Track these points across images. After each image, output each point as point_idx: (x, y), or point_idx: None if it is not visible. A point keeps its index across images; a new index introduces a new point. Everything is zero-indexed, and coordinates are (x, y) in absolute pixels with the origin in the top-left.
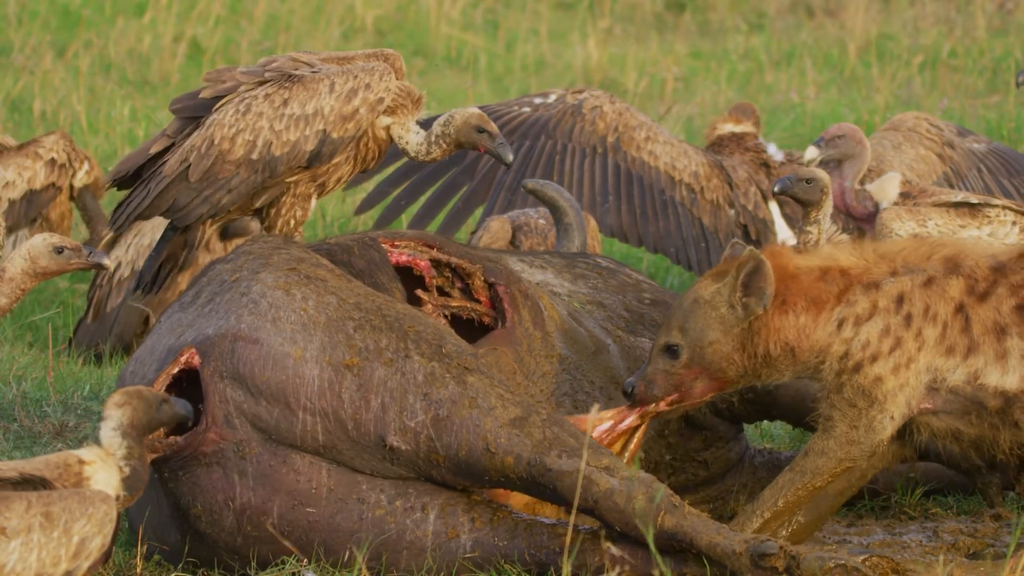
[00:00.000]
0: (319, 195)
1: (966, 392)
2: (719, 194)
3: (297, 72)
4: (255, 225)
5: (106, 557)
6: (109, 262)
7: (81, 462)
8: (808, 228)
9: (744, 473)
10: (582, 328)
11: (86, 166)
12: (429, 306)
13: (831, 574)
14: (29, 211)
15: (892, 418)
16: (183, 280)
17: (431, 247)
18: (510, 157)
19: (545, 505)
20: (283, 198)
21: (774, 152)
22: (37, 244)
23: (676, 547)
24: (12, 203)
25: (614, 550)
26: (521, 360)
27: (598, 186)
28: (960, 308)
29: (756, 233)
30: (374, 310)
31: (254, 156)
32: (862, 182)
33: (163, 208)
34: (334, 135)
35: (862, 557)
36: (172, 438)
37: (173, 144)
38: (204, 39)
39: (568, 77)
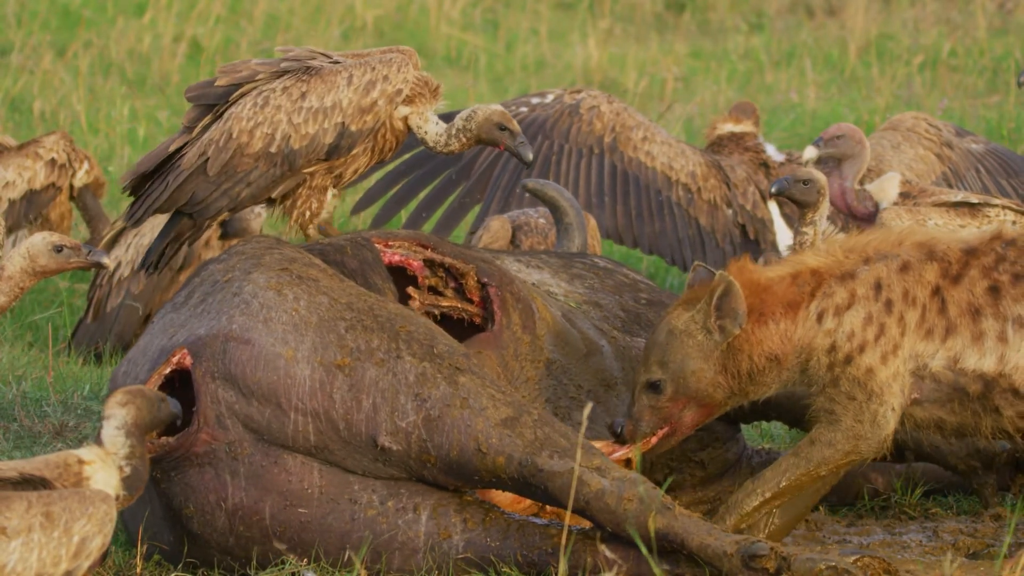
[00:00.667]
0: (335, 186)
1: (948, 379)
2: (716, 194)
3: (315, 63)
4: (255, 225)
5: (104, 557)
6: (108, 261)
7: (81, 462)
8: (804, 229)
9: (742, 474)
10: (575, 329)
11: (86, 166)
12: (417, 302)
13: (822, 575)
14: (29, 211)
15: (893, 410)
16: (183, 279)
17: (425, 247)
18: (530, 156)
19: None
20: (299, 190)
21: (773, 153)
22: (36, 243)
23: (667, 548)
24: (12, 203)
25: (607, 552)
26: (505, 364)
27: (594, 187)
28: (936, 291)
29: (755, 233)
30: (366, 310)
31: (272, 149)
32: (862, 182)
33: (182, 201)
34: (353, 127)
35: (853, 558)
36: (164, 439)
37: (190, 140)
38: (204, 39)
39: (568, 77)
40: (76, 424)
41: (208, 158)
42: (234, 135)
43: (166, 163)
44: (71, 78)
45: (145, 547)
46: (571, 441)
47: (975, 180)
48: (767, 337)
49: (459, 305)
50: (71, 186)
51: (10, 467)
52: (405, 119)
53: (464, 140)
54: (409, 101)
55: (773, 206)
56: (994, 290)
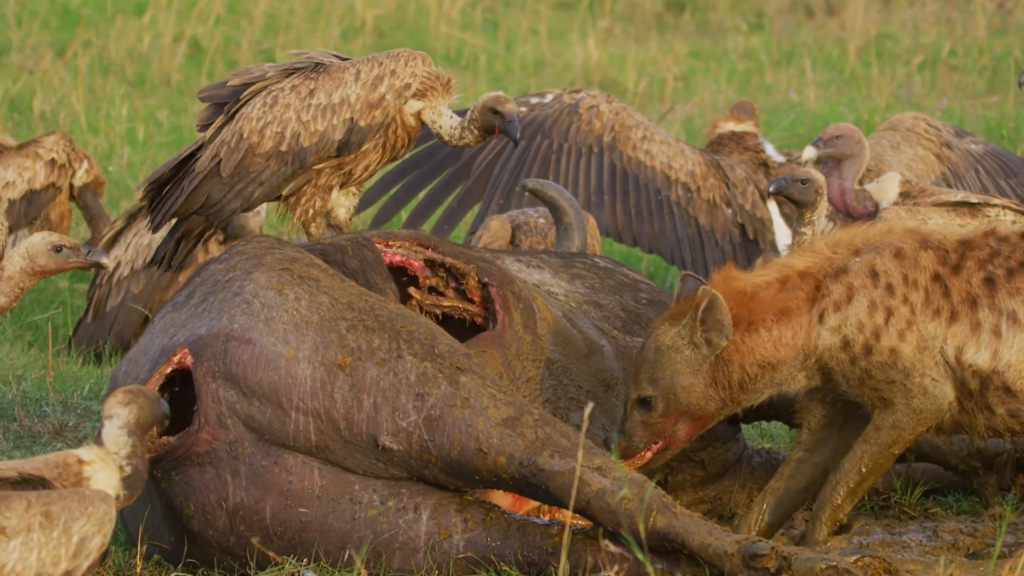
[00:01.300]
0: (346, 183)
1: (957, 374)
2: (716, 193)
3: (324, 61)
4: (253, 224)
5: (104, 557)
6: (108, 261)
7: (80, 462)
8: (802, 230)
9: (742, 473)
10: (576, 329)
11: (85, 165)
12: (415, 300)
13: (823, 575)
14: (29, 211)
15: (934, 379)
16: (183, 279)
17: (426, 247)
18: (518, 135)
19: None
20: (304, 187)
21: (773, 153)
22: (36, 243)
23: (668, 547)
24: (12, 203)
25: (612, 548)
26: (508, 363)
27: (594, 186)
28: (937, 276)
29: (754, 233)
30: (367, 310)
31: (283, 148)
32: (861, 182)
33: (197, 205)
34: (362, 123)
35: (854, 557)
36: (165, 438)
37: (203, 143)
38: (204, 39)
39: (568, 77)
40: (76, 424)
41: (221, 160)
42: (245, 135)
43: (180, 168)
44: (71, 78)
45: (145, 547)
46: (572, 441)
47: (974, 181)
48: (758, 345)
49: (460, 305)
50: (71, 186)
51: (10, 467)
52: (418, 115)
53: (475, 131)
54: (421, 95)
55: (773, 206)
56: (990, 282)
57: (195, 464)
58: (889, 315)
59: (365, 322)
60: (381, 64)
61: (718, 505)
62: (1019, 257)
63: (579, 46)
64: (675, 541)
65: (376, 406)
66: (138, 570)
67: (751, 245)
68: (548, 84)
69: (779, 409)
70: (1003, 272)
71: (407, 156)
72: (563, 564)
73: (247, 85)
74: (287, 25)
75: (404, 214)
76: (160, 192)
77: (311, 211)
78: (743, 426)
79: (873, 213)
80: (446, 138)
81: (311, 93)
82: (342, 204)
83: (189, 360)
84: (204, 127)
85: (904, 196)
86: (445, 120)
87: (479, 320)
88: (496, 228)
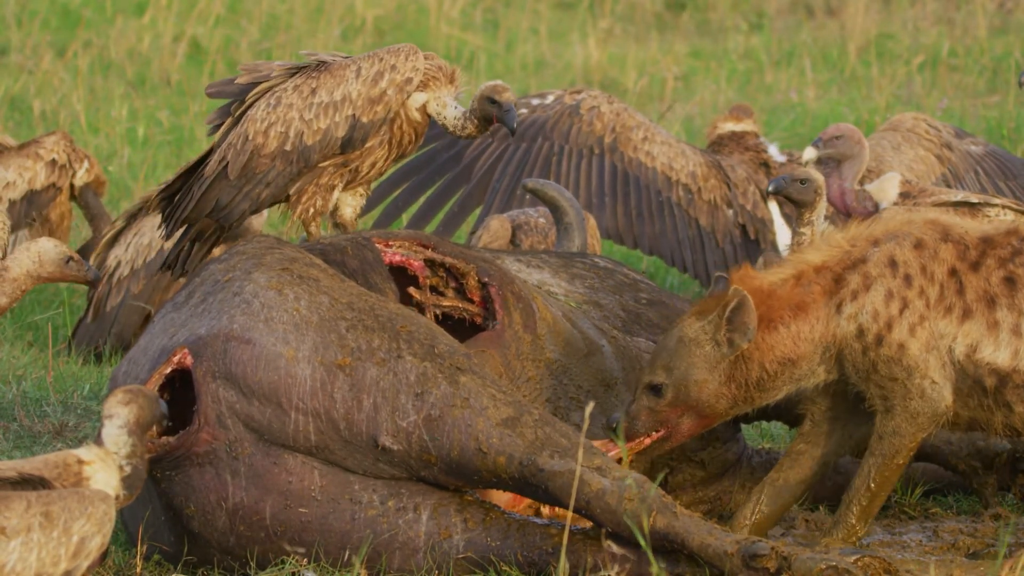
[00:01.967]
0: (353, 181)
1: (969, 370)
2: (717, 194)
3: (327, 60)
4: (255, 224)
5: (104, 557)
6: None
7: (80, 462)
8: (802, 230)
9: (742, 474)
10: (576, 329)
11: (86, 165)
12: (415, 300)
13: (823, 575)
14: (29, 211)
15: (935, 382)
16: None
17: (425, 247)
18: (514, 124)
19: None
20: (306, 186)
21: (775, 154)
22: (49, 249)
23: (668, 547)
24: (12, 203)
25: (614, 548)
26: (508, 363)
27: (594, 187)
28: (953, 272)
29: (755, 233)
30: (367, 310)
31: (288, 147)
32: (861, 182)
33: (208, 209)
34: (364, 119)
35: (854, 557)
36: (164, 438)
37: (212, 148)
38: (204, 39)
39: (568, 77)
40: (76, 424)
41: (228, 162)
42: (250, 137)
43: (190, 175)
44: (71, 78)
45: (145, 547)
46: (572, 441)
47: (974, 182)
48: (779, 342)
49: (460, 305)
50: (71, 186)
51: (9, 467)
52: (423, 109)
53: (476, 120)
54: (424, 87)
55: (773, 206)
56: (1010, 281)
57: (195, 464)
58: (904, 306)
59: (365, 322)
60: (382, 60)
61: (718, 505)
62: None
63: (579, 46)
64: (675, 541)
65: (376, 406)
66: (138, 570)
67: (752, 245)
68: (548, 84)
69: (779, 409)
70: None
71: (408, 160)
72: (563, 564)
73: (254, 84)
74: (287, 25)
75: (405, 219)
76: (172, 201)
77: (311, 210)
78: (743, 426)
79: (873, 213)
80: (451, 128)
81: (313, 92)
82: (348, 203)
83: (189, 360)
84: (214, 128)
85: (904, 196)
86: (450, 111)
87: (479, 320)
88: (496, 228)
